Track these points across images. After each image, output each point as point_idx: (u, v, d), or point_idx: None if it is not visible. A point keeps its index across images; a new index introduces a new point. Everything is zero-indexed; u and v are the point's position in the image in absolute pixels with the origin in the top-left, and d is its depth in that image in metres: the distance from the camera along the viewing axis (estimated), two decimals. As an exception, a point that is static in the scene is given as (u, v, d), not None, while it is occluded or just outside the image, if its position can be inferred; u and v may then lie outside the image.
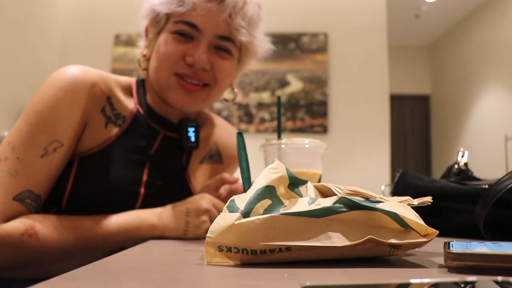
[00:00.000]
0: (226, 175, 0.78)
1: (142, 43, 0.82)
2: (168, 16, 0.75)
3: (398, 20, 5.14)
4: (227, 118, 3.45)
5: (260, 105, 3.54)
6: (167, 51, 0.74)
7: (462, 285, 0.26)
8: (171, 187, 0.77)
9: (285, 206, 0.41)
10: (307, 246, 0.36)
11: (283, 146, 0.65)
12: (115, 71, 3.40)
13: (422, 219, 0.39)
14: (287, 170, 0.45)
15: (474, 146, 4.79)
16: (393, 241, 0.37)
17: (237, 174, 0.85)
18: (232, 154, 0.92)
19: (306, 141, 0.65)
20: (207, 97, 0.78)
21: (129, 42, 3.50)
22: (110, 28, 3.61)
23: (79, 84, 0.69)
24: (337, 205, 0.38)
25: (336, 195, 0.40)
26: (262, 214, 0.38)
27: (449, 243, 0.36)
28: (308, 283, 0.26)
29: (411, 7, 4.98)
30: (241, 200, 0.40)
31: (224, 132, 0.93)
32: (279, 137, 0.66)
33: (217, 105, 3.52)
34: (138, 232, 0.67)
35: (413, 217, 0.38)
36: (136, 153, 0.74)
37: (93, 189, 0.69)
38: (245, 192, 0.42)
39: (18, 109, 2.97)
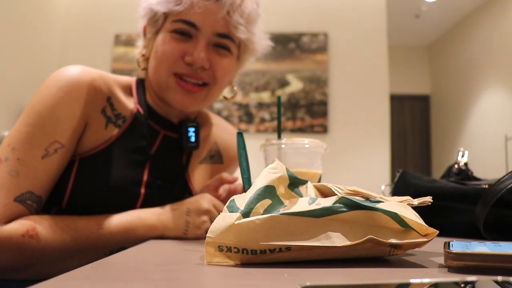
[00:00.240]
0: (225, 175, 0.79)
1: (140, 43, 0.82)
2: (166, 15, 0.75)
3: (398, 20, 5.14)
4: (227, 118, 3.45)
5: (260, 105, 3.54)
6: (165, 51, 0.74)
7: (462, 285, 0.26)
8: (171, 187, 0.77)
9: (285, 206, 0.41)
10: (307, 246, 0.36)
11: (283, 146, 0.65)
12: (115, 71, 3.40)
13: (422, 219, 0.39)
14: (287, 170, 0.45)
15: (474, 146, 4.79)
16: (393, 241, 0.37)
17: (237, 174, 0.85)
18: (232, 154, 0.92)
19: (306, 141, 0.65)
20: (207, 96, 0.78)
21: (129, 42, 3.50)
22: (110, 28, 3.61)
23: (80, 84, 0.69)
24: (337, 205, 0.38)
25: (336, 195, 0.40)
26: (262, 214, 0.38)
27: (449, 243, 0.36)
28: (308, 283, 0.26)
29: (411, 7, 4.98)
30: (241, 200, 0.40)
31: (224, 132, 0.93)
32: (279, 137, 0.66)
33: (217, 105, 3.52)
34: (139, 232, 0.67)
35: (413, 217, 0.38)
36: (136, 153, 0.74)
37: (93, 190, 0.69)
38: (245, 192, 0.42)
39: (18, 109, 2.97)
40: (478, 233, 0.62)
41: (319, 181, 0.67)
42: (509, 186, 0.58)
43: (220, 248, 0.37)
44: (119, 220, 0.67)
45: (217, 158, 0.90)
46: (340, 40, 3.59)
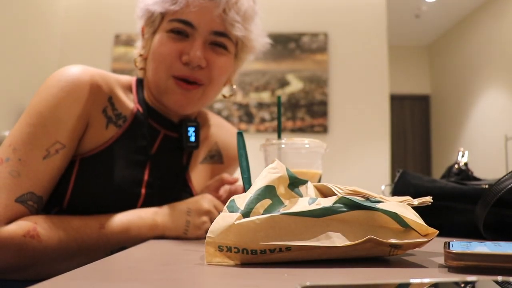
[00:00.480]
0: (225, 176, 0.78)
1: (139, 43, 0.82)
2: (162, 15, 0.75)
3: (398, 20, 5.14)
4: (227, 118, 3.45)
5: (260, 105, 3.54)
6: (162, 51, 0.74)
7: (462, 285, 0.26)
8: (172, 187, 0.77)
9: (285, 206, 0.41)
10: (307, 246, 0.36)
11: (283, 146, 0.65)
12: (115, 71, 3.39)
13: (422, 219, 0.39)
14: (287, 170, 0.45)
15: (474, 146, 4.79)
16: (393, 241, 0.37)
17: (238, 174, 0.85)
18: (232, 154, 0.92)
19: (306, 141, 0.65)
20: (203, 95, 0.77)
21: (129, 42, 3.50)
22: (110, 28, 3.61)
23: (81, 84, 0.69)
24: (337, 205, 0.38)
25: (336, 195, 0.40)
26: (262, 214, 0.38)
27: (449, 243, 0.36)
28: (308, 283, 0.26)
29: (411, 7, 4.98)
30: (241, 200, 0.40)
31: (224, 132, 0.93)
32: (279, 137, 0.66)
33: (217, 105, 3.52)
34: (139, 231, 0.67)
35: (413, 217, 0.38)
36: (137, 153, 0.74)
37: (94, 190, 0.69)
38: (245, 192, 0.42)
39: (18, 109, 2.97)
40: (478, 233, 0.62)
41: (319, 181, 0.67)
42: (509, 186, 0.58)
43: (220, 248, 0.37)
44: (119, 220, 0.67)
45: (217, 158, 0.90)
46: (340, 40, 3.59)
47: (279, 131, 0.67)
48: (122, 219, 0.67)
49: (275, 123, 3.49)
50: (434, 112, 6.08)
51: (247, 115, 3.53)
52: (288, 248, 0.37)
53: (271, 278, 0.32)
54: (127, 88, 0.79)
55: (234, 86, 0.86)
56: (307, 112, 3.50)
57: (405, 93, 6.04)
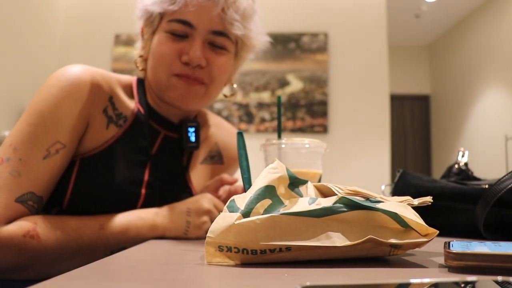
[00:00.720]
0: (225, 176, 0.78)
1: (139, 44, 0.82)
2: (161, 15, 0.75)
3: (398, 20, 5.14)
4: (227, 118, 3.45)
5: (260, 105, 3.54)
6: (162, 52, 0.73)
7: (462, 285, 0.26)
8: (172, 188, 0.77)
9: (285, 206, 0.41)
10: (307, 246, 0.36)
11: (283, 146, 0.65)
12: (115, 71, 3.37)
13: (422, 219, 0.39)
14: (287, 170, 0.45)
15: (474, 146, 4.79)
16: (393, 241, 0.37)
17: (238, 174, 0.85)
18: (233, 155, 0.92)
19: (306, 141, 0.65)
20: (206, 94, 0.77)
21: (129, 42, 3.50)
22: (110, 28, 3.61)
23: (81, 84, 0.69)
24: (337, 205, 0.38)
25: (336, 195, 0.40)
26: (262, 214, 0.38)
27: (449, 243, 0.36)
28: (308, 283, 0.26)
29: (411, 7, 4.98)
30: (241, 200, 0.40)
31: (225, 132, 0.93)
32: (279, 137, 0.66)
33: (217, 105, 3.52)
34: (139, 232, 0.67)
35: (413, 217, 0.38)
36: (137, 153, 0.74)
37: (94, 190, 0.69)
38: (245, 192, 0.42)
39: (19, 109, 2.97)
40: (478, 233, 0.62)
41: (319, 181, 0.67)
42: (509, 186, 0.58)
43: (220, 248, 0.37)
44: (119, 220, 0.67)
45: (217, 158, 0.90)
46: (340, 40, 3.59)
47: (279, 131, 0.67)
48: (122, 219, 0.67)
49: (275, 123, 3.49)
50: (434, 112, 6.08)
51: (247, 115, 3.53)
52: (288, 248, 0.37)
53: (271, 278, 0.32)
54: (128, 88, 0.79)
55: (235, 86, 0.86)
56: (307, 112, 3.50)
57: (405, 93, 6.04)
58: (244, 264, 0.37)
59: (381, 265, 0.37)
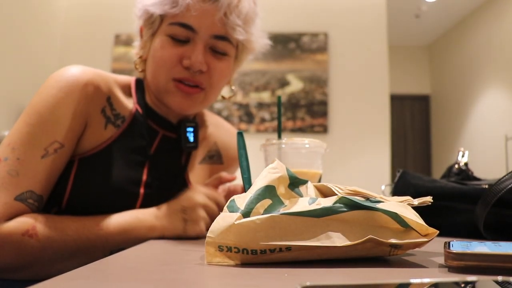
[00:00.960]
0: (223, 174, 0.78)
1: (137, 43, 0.81)
2: (162, 17, 0.74)
3: (398, 20, 5.14)
4: (227, 118, 3.45)
5: (260, 105, 3.54)
6: (163, 56, 0.73)
7: (462, 285, 0.26)
8: (171, 188, 0.77)
9: (285, 206, 0.41)
10: (307, 246, 0.36)
11: (283, 146, 0.65)
12: (115, 71, 3.40)
13: (422, 219, 0.39)
14: (287, 170, 0.45)
15: (474, 146, 4.79)
16: (393, 241, 0.37)
17: (238, 174, 0.85)
18: (232, 154, 0.92)
19: (306, 141, 0.65)
20: (205, 99, 0.77)
21: (129, 42, 3.50)
22: (110, 28, 3.61)
23: (79, 84, 0.69)
24: (337, 205, 0.38)
25: (336, 195, 0.40)
26: (262, 214, 0.38)
27: (449, 243, 0.36)
28: (308, 283, 0.26)
29: (411, 7, 4.98)
30: (241, 200, 0.40)
31: (224, 132, 0.93)
32: (279, 137, 0.66)
33: (217, 105, 3.52)
34: (138, 233, 0.67)
35: (413, 217, 0.38)
36: (135, 153, 0.74)
37: (93, 190, 0.69)
38: (245, 192, 0.42)
39: (18, 109, 2.97)
40: (478, 233, 0.62)
41: (319, 181, 0.67)
42: (509, 186, 0.58)
43: (220, 248, 0.37)
44: (117, 221, 0.66)
45: (216, 158, 0.90)
46: (340, 40, 3.59)
47: (279, 131, 0.67)
48: (120, 220, 0.67)
49: (275, 123, 3.49)
50: (434, 112, 6.08)
51: (247, 115, 3.53)
52: (288, 248, 0.37)
53: (271, 278, 0.32)
54: (126, 89, 0.79)
55: (233, 87, 0.86)
56: (307, 112, 3.50)
57: (405, 93, 6.04)
58: (244, 264, 0.37)
59: (381, 265, 0.37)
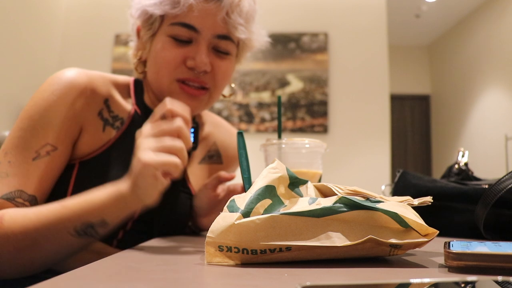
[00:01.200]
0: (222, 173, 0.78)
1: (134, 43, 0.80)
2: (162, 18, 0.73)
3: (398, 20, 5.14)
4: (227, 118, 3.45)
5: (261, 105, 3.54)
6: (166, 57, 0.72)
7: (462, 285, 0.26)
8: (170, 188, 0.77)
9: (286, 206, 0.41)
10: (307, 246, 0.36)
11: (283, 146, 0.65)
12: (115, 71, 3.41)
13: (423, 219, 0.39)
14: (287, 169, 0.45)
15: (474, 146, 4.79)
16: (393, 241, 0.37)
17: (238, 174, 0.85)
18: (232, 154, 0.91)
19: (306, 141, 0.65)
20: (209, 99, 0.77)
21: (129, 42, 3.50)
22: (110, 28, 3.61)
23: (73, 87, 0.68)
24: (338, 205, 0.38)
25: (336, 194, 0.40)
26: (262, 214, 0.38)
27: (449, 243, 0.36)
28: (308, 283, 0.26)
29: (411, 7, 4.98)
30: (241, 200, 0.40)
31: (224, 132, 0.93)
32: (279, 137, 0.66)
33: (217, 105, 3.52)
34: (102, 203, 0.58)
35: (413, 217, 0.38)
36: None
37: None
38: (245, 191, 0.42)
39: (18, 109, 2.97)
40: (478, 233, 0.62)
41: (319, 181, 0.67)
42: (509, 186, 0.58)
43: (220, 248, 0.37)
44: (80, 196, 0.60)
45: (216, 158, 0.90)
46: (340, 40, 3.59)
47: (279, 131, 0.67)
48: (83, 194, 0.60)
49: (275, 123, 3.50)
50: (434, 112, 6.08)
51: (247, 115, 3.53)
52: (288, 248, 0.37)
53: (271, 278, 0.32)
54: (125, 89, 0.78)
55: (233, 85, 0.86)
56: (307, 112, 3.50)
57: (405, 93, 6.04)
58: (244, 264, 0.37)
59: (381, 265, 0.37)
